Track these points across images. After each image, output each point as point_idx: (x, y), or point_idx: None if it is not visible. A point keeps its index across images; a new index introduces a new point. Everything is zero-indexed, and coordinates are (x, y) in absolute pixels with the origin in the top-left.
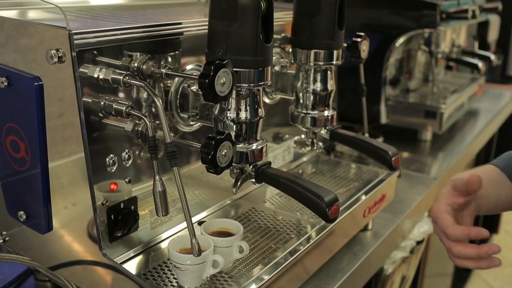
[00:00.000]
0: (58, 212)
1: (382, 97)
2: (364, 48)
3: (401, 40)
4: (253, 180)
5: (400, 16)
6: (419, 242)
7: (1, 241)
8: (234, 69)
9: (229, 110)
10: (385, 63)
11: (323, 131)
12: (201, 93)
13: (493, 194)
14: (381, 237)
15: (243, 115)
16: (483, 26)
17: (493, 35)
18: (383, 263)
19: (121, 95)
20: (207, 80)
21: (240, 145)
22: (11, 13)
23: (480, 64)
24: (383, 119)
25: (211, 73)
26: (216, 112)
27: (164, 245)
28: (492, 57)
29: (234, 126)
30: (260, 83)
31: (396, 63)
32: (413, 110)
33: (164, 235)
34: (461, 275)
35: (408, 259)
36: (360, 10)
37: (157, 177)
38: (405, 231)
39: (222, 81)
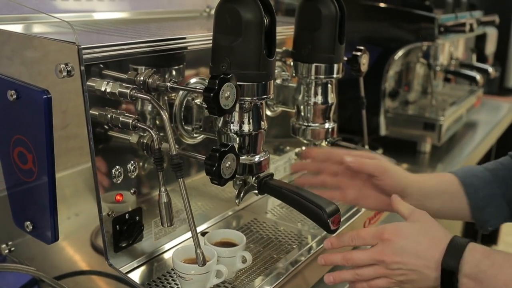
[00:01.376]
0: (63, 222)
1: (381, 109)
2: (364, 61)
3: (400, 53)
4: (256, 191)
5: (399, 29)
6: None
7: (7, 251)
8: (237, 83)
9: (232, 123)
10: (384, 75)
11: (324, 143)
12: (206, 106)
13: (439, 201)
14: None
15: (246, 127)
16: (481, 39)
17: (490, 47)
18: None
19: (125, 107)
20: (212, 94)
21: (243, 157)
22: (16, 27)
23: (478, 76)
24: (383, 131)
25: (216, 87)
26: (220, 124)
27: (167, 255)
28: (490, 69)
29: (237, 139)
30: (263, 97)
31: (395, 75)
32: (412, 122)
33: (167, 246)
34: None
35: None
36: (360, 23)
37: (162, 188)
38: None
39: (226, 94)
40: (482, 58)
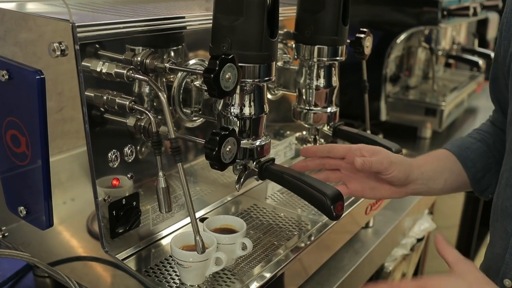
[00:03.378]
0: (58, 207)
1: (382, 94)
2: (368, 44)
3: (402, 37)
4: (256, 176)
5: (401, 13)
6: (419, 240)
7: (0, 236)
8: (239, 64)
9: (233, 105)
10: (386, 60)
11: (325, 128)
12: (206, 88)
13: (441, 181)
14: (382, 235)
15: (247, 110)
16: (482, 24)
17: (492, 32)
18: (384, 261)
19: (122, 89)
20: (212, 75)
21: (244, 141)
22: (10, 6)
23: (480, 61)
24: (383, 116)
25: (217, 68)
26: (220, 107)
27: (165, 241)
28: (492, 54)
29: (238, 122)
30: (265, 79)
31: (396, 60)
32: (413, 107)
33: (165, 232)
34: None
35: (409, 257)
36: (361, 7)
37: (160, 173)
38: (405, 229)
39: (227, 76)
40: (483, 43)
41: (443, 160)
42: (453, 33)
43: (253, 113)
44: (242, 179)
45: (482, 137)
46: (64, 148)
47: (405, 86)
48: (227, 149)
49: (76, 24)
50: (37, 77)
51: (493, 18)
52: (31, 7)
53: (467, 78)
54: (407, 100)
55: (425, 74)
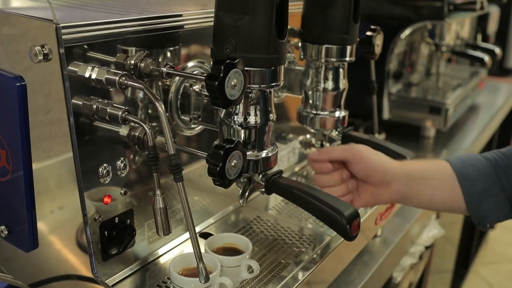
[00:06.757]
0: (46, 217)
1: (385, 91)
2: (379, 43)
3: (406, 32)
4: (263, 189)
5: (404, 7)
6: (427, 247)
7: None
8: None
9: (236, 113)
10: (389, 56)
11: (334, 133)
12: (209, 96)
13: (429, 192)
14: (391, 244)
15: (252, 119)
16: (483, 18)
17: (492, 27)
18: (392, 271)
19: (113, 93)
20: (216, 82)
21: (249, 153)
22: None
23: (486, 58)
24: (386, 115)
25: (221, 74)
26: (222, 115)
27: (162, 260)
28: (497, 50)
29: (242, 132)
30: (272, 84)
31: (399, 56)
32: (416, 105)
33: (162, 250)
34: (460, 272)
35: (416, 266)
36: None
37: (158, 192)
38: (414, 236)
39: (233, 83)
40: (484, 37)
41: (436, 166)
42: (457, 28)
43: (259, 121)
44: (246, 193)
45: (495, 157)
46: (52, 153)
47: (407, 83)
48: (232, 164)
49: (61, 25)
50: (17, 84)
51: (494, 12)
52: (15, 3)
53: (469, 74)
54: (410, 98)
55: (427, 70)
